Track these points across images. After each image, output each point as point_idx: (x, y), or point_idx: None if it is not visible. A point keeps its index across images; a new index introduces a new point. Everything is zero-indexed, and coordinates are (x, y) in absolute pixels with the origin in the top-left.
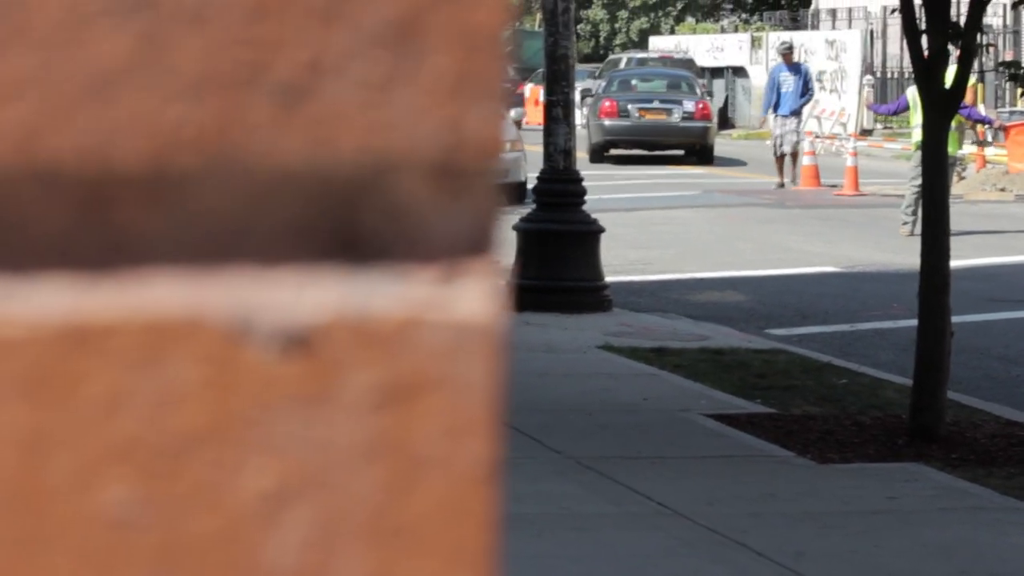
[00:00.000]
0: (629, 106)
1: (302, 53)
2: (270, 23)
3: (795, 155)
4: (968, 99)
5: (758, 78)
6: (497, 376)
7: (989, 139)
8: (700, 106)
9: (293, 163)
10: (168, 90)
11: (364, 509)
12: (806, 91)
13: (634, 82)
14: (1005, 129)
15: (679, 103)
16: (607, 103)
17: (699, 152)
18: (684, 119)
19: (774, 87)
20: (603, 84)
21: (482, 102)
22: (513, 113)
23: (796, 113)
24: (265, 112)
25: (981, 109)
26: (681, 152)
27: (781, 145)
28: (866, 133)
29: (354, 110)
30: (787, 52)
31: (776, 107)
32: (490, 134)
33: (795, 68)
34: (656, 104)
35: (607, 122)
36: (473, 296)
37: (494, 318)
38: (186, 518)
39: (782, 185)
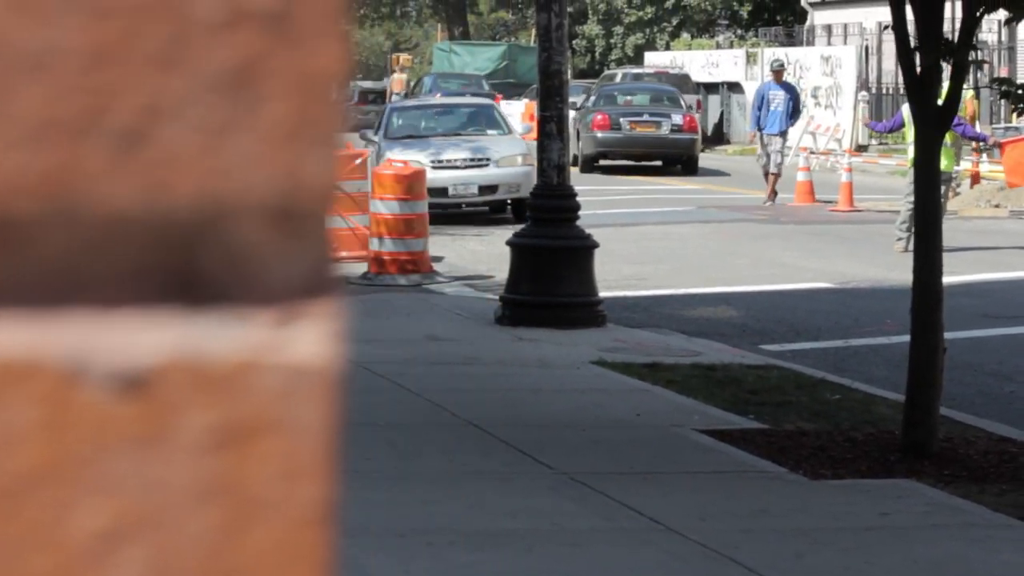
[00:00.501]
0: (620, 119)
1: (140, 99)
2: (109, 70)
3: (777, 175)
4: (968, 112)
5: (753, 94)
6: (332, 418)
7: (983, 157)
8: (687, 119)
9: (131, 207)
10: (8, 138)
11: (199, 550)
12: (796, 111)
13: (620, 97)
14: (1000, 145)
15: (668, 116)
16: (599, 116)
17: (685, 163)
18: (673, 131)
19: (762, 104)
20: (592, 98)
21: (318, 147)
22: (521, 128)
23: (783, 133)
24: (104, 158)
25: (978, 126)
26: (667, 163)
27: (766, 163)
28: (861, 149)
29: (191, 155)
30: (779, 70)
31: (768, 125)
32: (326, 179)
33: (785, 87)
34: (646, 117)
35: (599, 134)
36: (310, 339)
37: (330, 361)
38: (22, 558)
39: (768, 202)
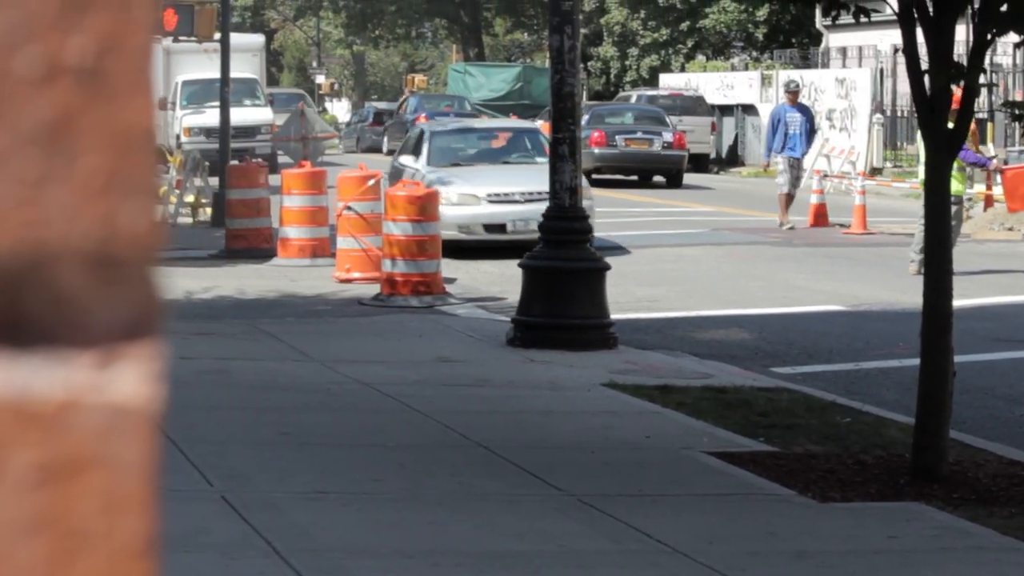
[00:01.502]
0: (616, 136)
1: None
2: None
3: (792, 197)
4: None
5: (768, 115)
6: (152, 455)
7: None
8: (677, 137)
9: None
10: None
11: None
12: (812, 133)
13: (609, 118)
14: (1001, 171)
15: (659, 134)
16: (596, 133)
17: (674, 176)
18: (664, 148)
19: (777, 128)
20: (585, 118)
21: (133, 197)
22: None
23: (805, 155)
24: None
25: (988, 149)
26: (648, 177)
27: (793, 186)
28: (876, 172)
29: (11, 206)
30: (795, 91)
31: (783, 147)
32: (143, 227)
33: (801, 108)
34: (640, 135)
35: (596, 150)
36: (130, 379)
37: (149, 400)
38: None
39: (790, 226)
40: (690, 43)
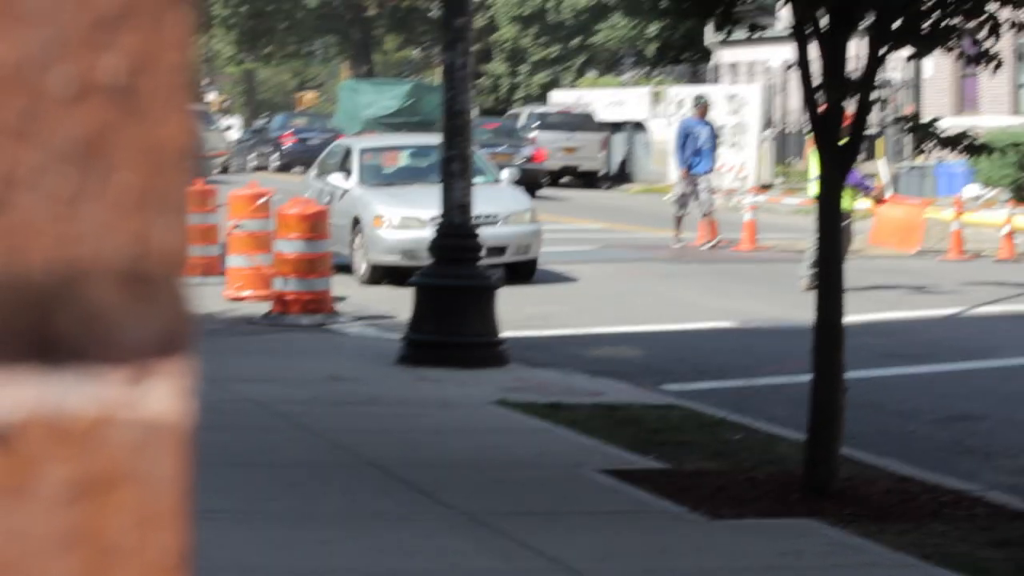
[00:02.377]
0: (481, 150)
1: None
2: None
3: (711, 215)
4: None
5: (658, 132)
6: (184, 470)
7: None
8: (537, 152)
9: None
10: None
11: None
12: (716, 147)
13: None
14: (880, 200)
15: (519, 149)
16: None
17: (534, 187)
18: (526, 162)
19: (686, 142)
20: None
21: (166, 215)
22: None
23: (711, 171)
24: None
25: (880, 165)
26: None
27: (699, 204)
28: (765, 187)
29: (45, 222)
30: (704, 106)
31: (692, 163)
32: (175, 244)
33: (706, 124)
34: (504, 148)
35: None
36: (162, 395)
37: (181, 416)
38: None
39: (711, 244)
40: (581, 60)
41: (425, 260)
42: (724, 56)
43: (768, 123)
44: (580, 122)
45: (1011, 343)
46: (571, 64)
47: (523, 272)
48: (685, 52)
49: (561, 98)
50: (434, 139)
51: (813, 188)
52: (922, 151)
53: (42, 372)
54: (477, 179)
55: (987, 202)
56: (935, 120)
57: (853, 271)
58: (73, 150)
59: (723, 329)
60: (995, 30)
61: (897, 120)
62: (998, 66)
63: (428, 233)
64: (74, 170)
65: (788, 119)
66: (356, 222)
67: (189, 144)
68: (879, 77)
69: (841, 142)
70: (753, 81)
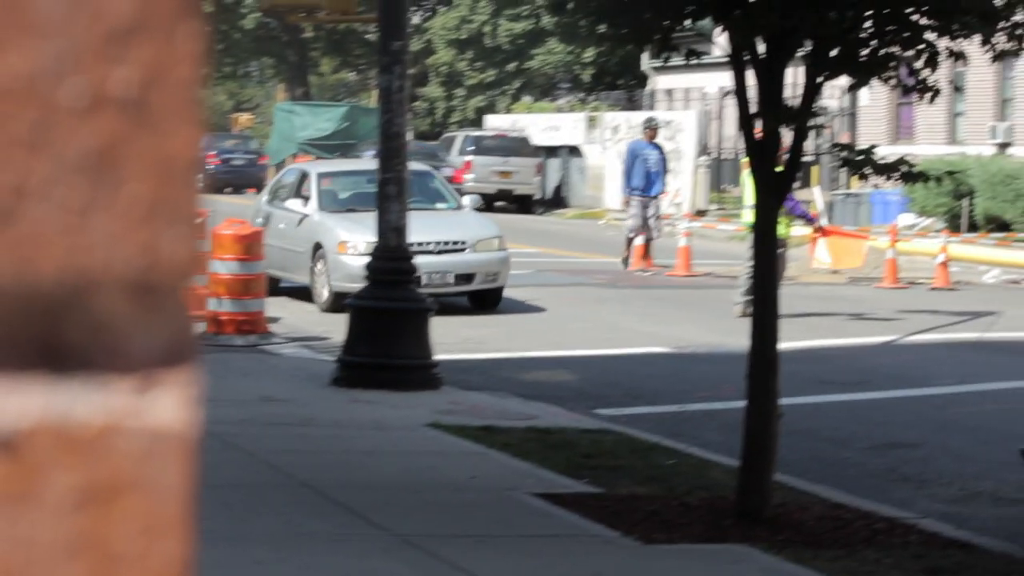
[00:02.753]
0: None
1: (7, 179)
2: None
3: (651, 240)
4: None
5: (593, 157)
6: (190, 479)
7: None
8: (455, 173)
9: None
10: None
11: None
12: (666, 171)
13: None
14: (822, 230)
15: (441, 168)
16: None
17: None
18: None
19: (634, 165)
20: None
21: (175, 226)
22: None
23: (660, 196)
24: None
25: (815, 192)
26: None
27: (648, 229)
28: (700, 213)
29: (55, 233)
30: (654, 128)
31: (645, 187)
32: (184, 255)
33: (656, 147)
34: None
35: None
36: (168, 404)
37: (188, 425)
38: None
39: (633, 268)
40: (516, 84)
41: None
42: (660, 82)
43: (704, 149)
44: (515, 146)
45: (946, 371)
46: (507, 88)
47: (490, 300)
48: (621, 78)
49: (497, 122)
50: (412, 165)
51: (748, 215)
52: (865, 176)
53: (50, 380)
54: (439, 206)
55: (922, 231)
56: (872, 148)
57: (788, 298)
58: (84, 162)
59: (657, 354)
60: (932, 60)
61: (833, 147)
62: (935, 96)
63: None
64: (85, 182)
65: (724, 146)
66: (317, 248)
67: (199, 157)
68: (816, 104)
69: (777, 169)
70: (689, 107)
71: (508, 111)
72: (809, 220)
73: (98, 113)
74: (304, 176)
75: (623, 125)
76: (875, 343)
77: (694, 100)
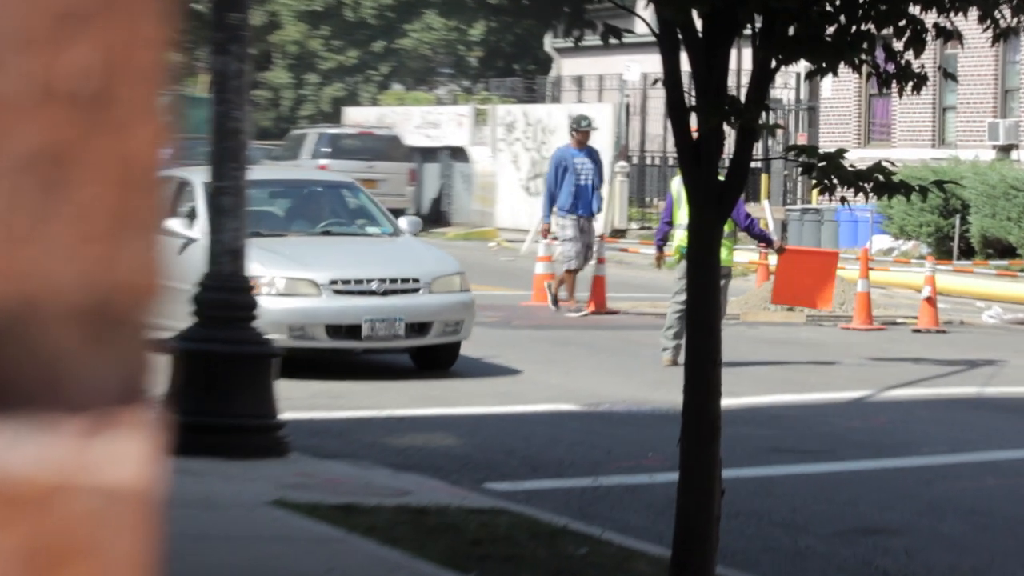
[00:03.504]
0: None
1: None
2: None
3: (578, 270)
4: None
5: (483, 162)
6: (148, 544)
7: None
8: None
9: None
10: None
11: None
12: (601, 183)
13: None
14: (782, 250)
15: None
16: None
17: None
18: None
19: (567, 176)
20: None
21: (135, 242)
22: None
23: (597, 212)
24: None
25: (764, 207)
26: None
27: (583, 257)
28: (618, 234)
29: None
30: (586, 131)
31: (574, 206)
32: (144, 273)
33: (590, 153)
34: None
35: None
36: (124, 453)
37: (147, 480)
38: None
39: (585, 311)
40: (385, 68)
41: (322, 340)
42: (567, 67)
43: (622, 153)
44: (383, 147)
45: (934, 436)
46: (373, 74)
47: (444, 357)
48: (517, 62)
49: (359, 117)
50: (317, 174)
51: (680, 235)
52: (830, 188)
53: None
54: (372, 230)
55: (902, 256)
56: (840, 152)
57: (732, 341)
58: (26, 167)
59: (565, 413)
60: (917, 40)
61: (789, 151)
62: (919, 86)
63: (326, 302)
64: (26, 187)
65: (648, 148)
66: None
67: (162, 157)
68: (768, 96)
69: (719, 178)
70: (603, 99)
71: (374, 103)
72: (768, 241)
73: (44, 106)
74: (184, 186)
75: (520, 121)
76: (843, 400)
77: (610, 90)
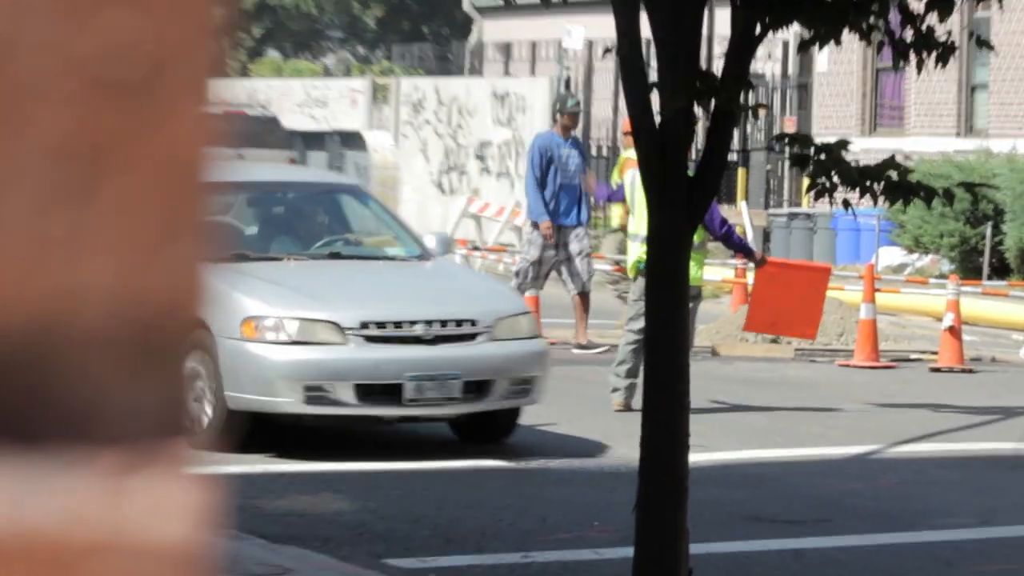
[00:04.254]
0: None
1: None
2: None
3: (586, 294)
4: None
5: (382, 151)
6: None
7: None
8: None
9: None
10: None
11: None
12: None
13: None
14: (763, 262)
15: None
16: None
17: None
18: None
19: (554, 173)
20: None
21: (182, 251)
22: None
23: (587, 222)
24: None
25: (745, 222)
26: None
27: (571, 275)
28: None
29: (17, 269)
30: (574, 113)
31: (554, 211)
32: (185, 294)
33: (576, 144)
34: None
35: None
36: (164, 496)
37: (190, 530)
38: None
39: (582, 346)
40: (257, 31)
41: (350, 404)
42: (491, 31)
43: None
44: (255, 131)
45: (955, 505)
46: (241, 37)
47: (502, 426)
48: (427, 23)
49: (224, 92)
50: (306, 174)
51: (635, 248)
52: (828, 188)
53: (9, 461)
54: (392, 251)
55: (917, 275)
56: (844, 143)
57: (701, 380)
58: (48, 163)
59: (488, 470)
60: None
61: (777, 140)
62: (945, 57)
63: (355, 353)
64: (49, 191)
65: (594, 135)
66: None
67: (209, 156)
68: (750, 71)
69: (688, 173)
70: (537, 72)
71: (243, 74)
72: (749, 253)
73: (79, 90)
74: None
75: (430, 100)
76: (841, 457)
77: (546, 60)
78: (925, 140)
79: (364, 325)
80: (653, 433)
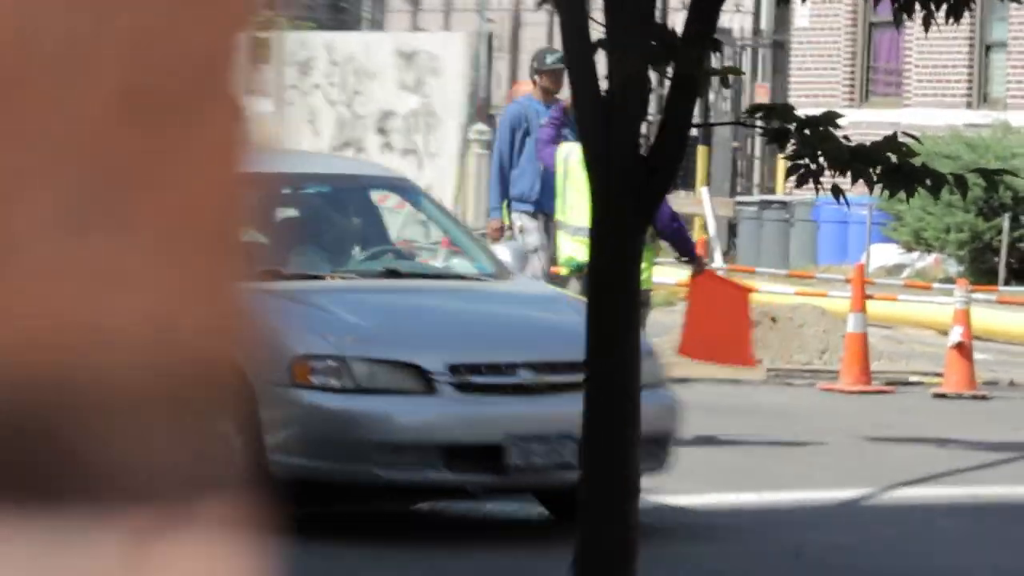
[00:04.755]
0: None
1: None
2: None
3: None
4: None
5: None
6: None
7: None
8: None
9: None
10: None
11: None
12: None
13: None
14: (702, 270)
15: None
16: None
17: None
18: None
19: (525, 147)
20: None
21: (214, 291)
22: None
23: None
24: None
25: (707, 213)
26: None
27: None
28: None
29: (27, 298)
30: (555, 69)
31: (539, 196)
32: (224, 335)
33: (564, 113)
34: None
35: None
36: (192, 562)
37: None
38: None
39: None
40: None
41: (437, 473)
42: None
43: (480, 111)
44: None
45: (965, 561)
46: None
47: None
48: None
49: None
50: (337, 164)
51: (567, 244)
52: (814, 173)
53: (18, 522)
54: (458, 266)
55: (917, 278)
56: (832, 116)
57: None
58: (90, 175)
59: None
60: None
61: (750, 113)
62: (958, 11)
63: (446, 405)
64: (74, 217)
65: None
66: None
67: (248, 185)
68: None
69: (641, 152)
70: (453, 26)
71: None
72: (690, 254)
73: (99, 104)
74: None
75: (321, 59)
76: (826, 502)
77: (463, 11)
78: (929, 112)
79: (454, 370)
80: (595, 473)
